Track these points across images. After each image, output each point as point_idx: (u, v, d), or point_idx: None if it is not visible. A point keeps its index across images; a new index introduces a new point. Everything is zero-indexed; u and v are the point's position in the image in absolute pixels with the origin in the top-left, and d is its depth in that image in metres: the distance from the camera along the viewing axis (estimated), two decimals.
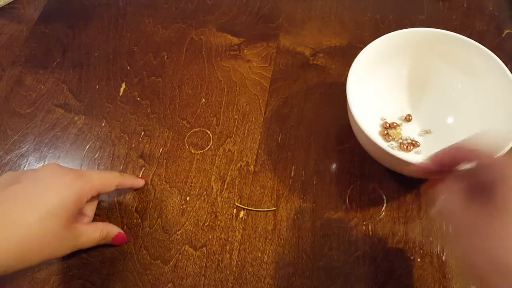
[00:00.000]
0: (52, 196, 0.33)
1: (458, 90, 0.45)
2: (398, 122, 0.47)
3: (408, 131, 0.47)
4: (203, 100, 0.50)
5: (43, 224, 0.32)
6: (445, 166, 0.30)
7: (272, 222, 0.42)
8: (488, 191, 0.25)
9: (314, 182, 0.44)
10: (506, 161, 0.27)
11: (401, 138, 0.46)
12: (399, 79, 0.48)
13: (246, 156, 0.46)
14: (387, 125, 0.46)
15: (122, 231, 0.41)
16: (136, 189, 0.44)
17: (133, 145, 0.47)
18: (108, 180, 0.39)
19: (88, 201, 0.37)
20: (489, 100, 0.42)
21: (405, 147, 0.45)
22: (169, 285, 0.39)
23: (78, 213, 0.37)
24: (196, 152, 0.47)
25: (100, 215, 0.43)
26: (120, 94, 0.51)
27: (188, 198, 0.44)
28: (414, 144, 0.45)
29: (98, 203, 0.42)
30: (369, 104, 0.45)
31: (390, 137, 0.46)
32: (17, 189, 0.33)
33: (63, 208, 0.33)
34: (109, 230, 0.39)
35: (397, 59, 0.46)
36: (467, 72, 0.44)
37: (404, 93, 0.48)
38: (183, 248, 0.41)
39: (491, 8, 0.57)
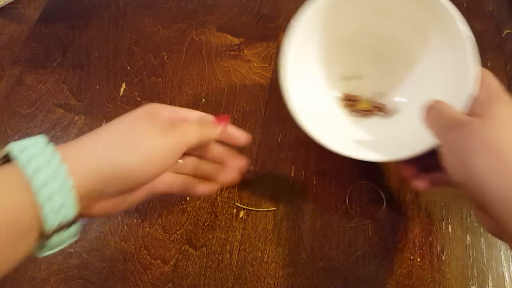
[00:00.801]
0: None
1: (407, 49, 0.42)
2: (354, 91, 0.45)
3: (362, 91, 0.45)
4: (203, 100, 0.50)
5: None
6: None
7: (272, 222, 0.42)
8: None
9: (314, 182, 0.44)
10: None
11: (363, 105, 0.44)
12: (344, 44, 0.44)
13: (246, 156, 0.46)
14: (347, 97, 0.45)
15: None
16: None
17: None
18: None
19: None
20: (441, 58, 0.38)
21: (367, 112, 0.44)
22: (169, 285, 0.39)
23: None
24: None
25: None
26: (120, 94, 0.51)
27: (188, 198, 0.44)
28: (379, 108, 0.44)
29: None
30: (316, 81, 0.43)
31: (352, 107, 0.45)
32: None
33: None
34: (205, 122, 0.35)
35: (336, 25, 0.41)
36: (413, 27, 0.40)
37: (352, 58, 0.45)
38: (183, 248, 0.41)
39: (491, 8, 0.57)
